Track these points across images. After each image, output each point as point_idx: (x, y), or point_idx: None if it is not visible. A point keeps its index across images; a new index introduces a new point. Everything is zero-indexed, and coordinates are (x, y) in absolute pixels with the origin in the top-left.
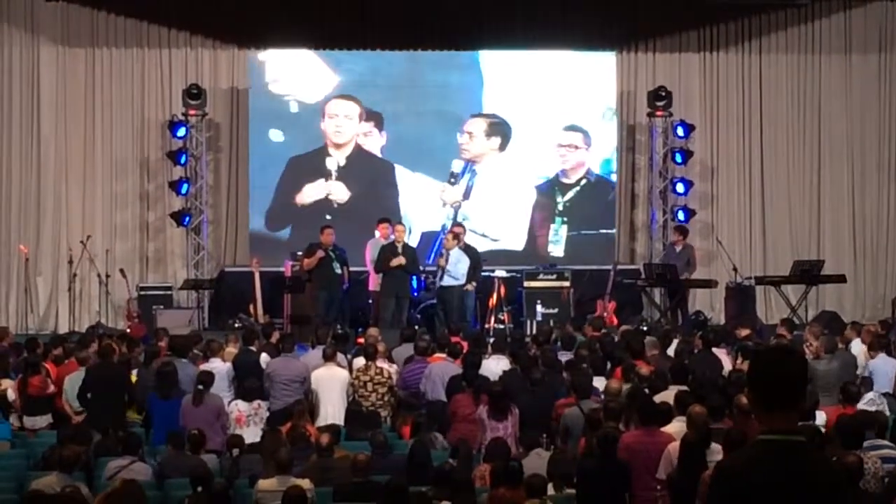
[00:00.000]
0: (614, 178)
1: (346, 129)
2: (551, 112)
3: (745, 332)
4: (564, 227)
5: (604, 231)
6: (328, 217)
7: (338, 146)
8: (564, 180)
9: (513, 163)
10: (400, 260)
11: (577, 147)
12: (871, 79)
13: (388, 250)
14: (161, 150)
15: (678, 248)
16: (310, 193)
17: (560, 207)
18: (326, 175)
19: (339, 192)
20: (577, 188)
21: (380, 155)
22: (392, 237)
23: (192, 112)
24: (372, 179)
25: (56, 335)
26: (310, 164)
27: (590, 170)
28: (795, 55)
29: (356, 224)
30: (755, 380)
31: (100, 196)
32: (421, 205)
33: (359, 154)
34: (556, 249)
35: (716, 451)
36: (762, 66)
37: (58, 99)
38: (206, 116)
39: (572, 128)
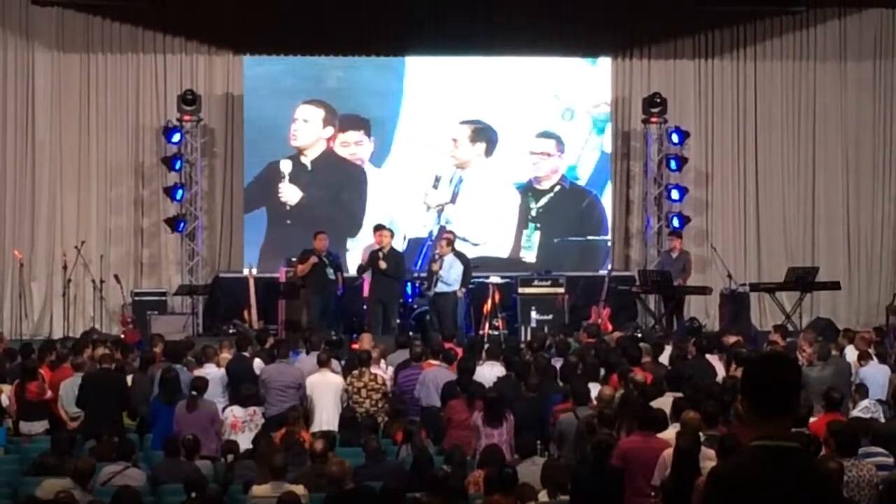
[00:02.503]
0: (581, 182)
1: (305, 134)
2: (536, 118)
3: (732, 340)
4: (537, 234)
5: (578, 238)
6: (288, 222)
7: (300, 150)
8: (538, 186)
9: (500, 169)
10: (381, 263)
11: (549, 154)
12: (865, 86)
13: (374, 256)
14: (156, 156)
15: (674, 255)
16: (276, 197)
17: (533, 213)
18: (280, 178)
19: (291, 195)
20: (551, 194)
21: (369, 162)
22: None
23: (186, 118)
24: (340, 184)
25: (48, 340)
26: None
27: (564, 176)
28: (790, 62)
29: (311, 226)
30: (750, 386)
31: (94, 201)
32: (408, 211)
33: (328, 158)
34: (529, 255)
35: (708, 458)
36: (757, 73)
37: (52, 104)
38: (200, 122)
39: (545, 134)
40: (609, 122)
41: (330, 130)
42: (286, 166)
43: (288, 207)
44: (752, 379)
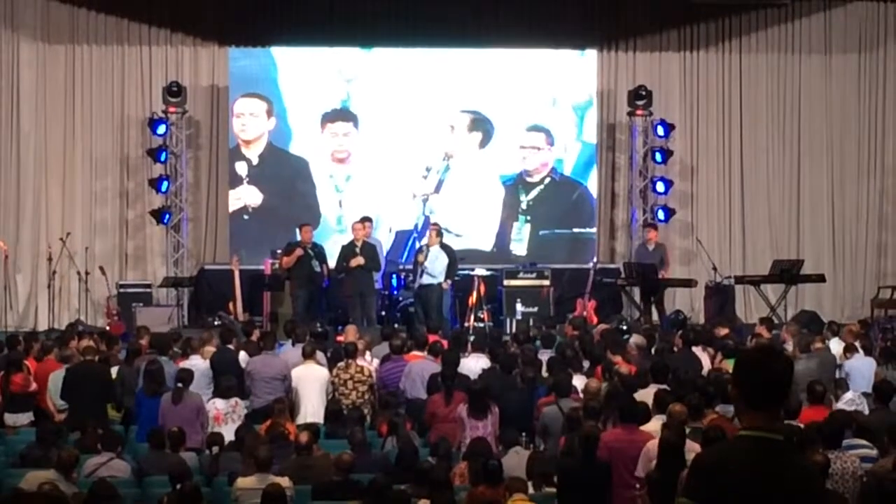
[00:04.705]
0: (568, 173)
1: (253, 127)
2: (523, 110)
3: (723, 332)
4: (528, 226)
5: (568, 231)
6: (245, 217)
7: (247, 143)
8: (528, 179)
9: (486, 162)
10: (358, 260)
11: (539, 148)
12: (850, 78)
13: (348, 250)
14: (141, 148)
15: (650, 247)
16: (229, 202)
17: (524, 206)
18: (238, 181)
19: (252, 197)
20: (541, 187)
21: (354, 154)
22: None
23: (172, 109)
24: (289, 177)
25: (31, 332)
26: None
27: (554, 169)
28: (775, 55)
29: (274, 224)
30: (742, 379)
31: (79, 193)
32: (392, 203)
33: (271, 151)
34: (519, 248)
35: (693, 450)
36: (742, 66)
37: (37, 96)
38: (186, 114)
39: (535, 128)
40: (594, 115)
41: (273, 122)
42: (242, 168)
43: (251, 209)
44: (744, 370)
